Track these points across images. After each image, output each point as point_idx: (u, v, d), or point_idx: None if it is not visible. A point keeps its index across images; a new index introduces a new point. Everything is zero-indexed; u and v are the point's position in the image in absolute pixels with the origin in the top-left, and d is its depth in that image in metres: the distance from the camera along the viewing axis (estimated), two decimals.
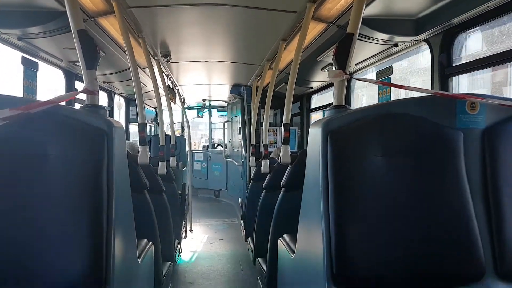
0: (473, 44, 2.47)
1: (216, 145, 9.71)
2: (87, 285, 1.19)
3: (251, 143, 4.55)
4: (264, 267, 2.69)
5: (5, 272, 1.15)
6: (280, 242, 1.89)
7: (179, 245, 3.72)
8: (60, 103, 1.29)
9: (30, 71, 2.42)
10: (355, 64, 3.46)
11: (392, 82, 2.72)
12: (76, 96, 1.71)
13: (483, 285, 1.32)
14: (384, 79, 2.72)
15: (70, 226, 1.19)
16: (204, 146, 10.00)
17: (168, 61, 3.68)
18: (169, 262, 2.77)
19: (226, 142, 8.10)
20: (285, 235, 1.88)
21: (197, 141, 11.82)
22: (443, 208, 1.32)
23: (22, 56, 2.47)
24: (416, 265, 1.28)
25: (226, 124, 8.10)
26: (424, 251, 1.29)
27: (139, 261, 1.60)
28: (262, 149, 3.37)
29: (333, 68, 1.61)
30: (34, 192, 1.19)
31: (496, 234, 1.34)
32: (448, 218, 1.31)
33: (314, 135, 1.44)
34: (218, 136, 10.08)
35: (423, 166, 1.34)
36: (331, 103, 1.60)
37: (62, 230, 1.19)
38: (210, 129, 9.61)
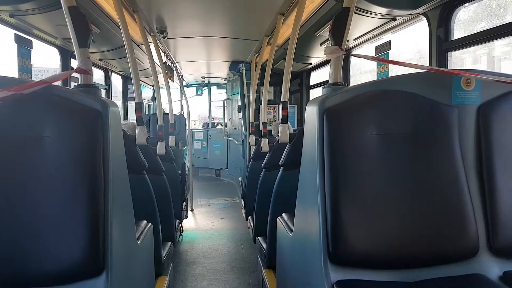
0: (471, 17, 2.42)
1: (216, 123, 9.69)
2: (85, 268, 1.20)
3: (251, 121, 4.53)
4: (264, 245, 2.73)
5: (1, 255, 1.16)
6: (279, 221, 1.91)
7: (180, 225, 3.76)
8: (53, 83, 1.27)
9: (24, 49, 2.38)
10: (354, 39, 3.40)
11: (391, 57, 2.69)
12: (72, 75, 1.69)
13: (477, 261, 1.34)
14: (382, 54, 2.68)
15: (66, 209, 1.19)
16: (204, 125, 9.97)
17: (164, 37, 3.61)
18: (169, 243, 2.81)
19: (226, 121, 8.07)
20: (283, 214, 1.90)
21: (196, 119, 11.78)
22: (437, 185, 1.33)
23: (15, 34, 2.42)
24: (410, 243, 1.29)
25: (225, 102, 8.04)
26: (418, 229, 1.30)
27: (138, 242, 1.61)
28: (261, 127, 3.36)
29: (330, 44, 1.57)
30: (28, 174, 1.19)
31: (490, 210, 1.36)
32: (442, 195, 1.32)
33: (311, 114, 1.43)
34: (218, 114, 10.04)
35: (418, 143, 1.34)
36: (327, 81, 1.58)
37: (58, 213, 1.19)
38: (210, 107, 9.55)
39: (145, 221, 1.82)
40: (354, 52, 3.73)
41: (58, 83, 1.33)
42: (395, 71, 2.77)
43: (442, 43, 2.35)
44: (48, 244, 1.17)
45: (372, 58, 1.68)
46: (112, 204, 1.27)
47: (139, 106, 2.37)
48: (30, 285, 1.20)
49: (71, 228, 1.19)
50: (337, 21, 1.51)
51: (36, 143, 1.20)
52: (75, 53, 1.47)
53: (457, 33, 2.35)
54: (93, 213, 1.21)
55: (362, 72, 4.09)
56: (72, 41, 1.45)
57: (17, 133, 1.20)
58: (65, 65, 3.45)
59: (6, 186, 1.18)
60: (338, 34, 1.51)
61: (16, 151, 1.20)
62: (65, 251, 1.18)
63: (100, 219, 1.23)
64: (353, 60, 3.95)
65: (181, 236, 4.18)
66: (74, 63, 3.57)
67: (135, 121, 3.01)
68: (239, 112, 6.66)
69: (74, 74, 1.55)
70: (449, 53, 2.37)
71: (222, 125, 8.87)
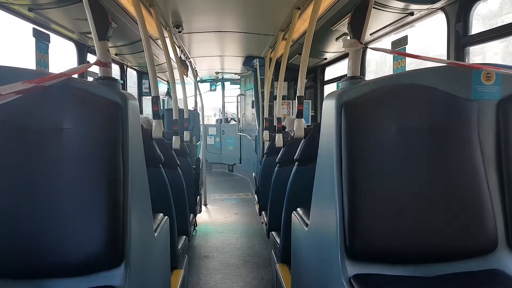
0: (490, 12, 2.35)
1: (229, 119, 9.70)
2: (104, 258, 1.21)
3: (265, 116, 4.52)
4: (278, 240, 2.73)
5: (22, 246, 1.18)
6: (294, 216, 1.90)
7: (194, 219, 3.79)
8: (73, 76, 1.28)
9: (42, 43, 2.41)
10: (370, 34, 3.35)
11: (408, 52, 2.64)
12: (89, 69, 1.70)
13: (495, 256, 1.32)
14: (399, 49, 2.64)
15: (86, 200, 1.20)
16: (217, 121, 10.00)
17: (180, 32, 3.62)
18: (184, 236, 2.83)
19: (239, 116, 8.07)
20: (298, 209, 1.89)
21: (210, 115, 11.82)
22: (456, 180, 1.31)
23: (34, 28, 2.46)
24: (428, 238, 1.28)
25: (239, 97, 8.04)
26: (436, 223, 1.28)
27: (155, 234, 1.62)
28: (275, 122, 3.35)
29: (348, 38, 1.56)
30: (49, 166, 1.20)
31: (509, 206, 1.33)
32: (460, 190, 1.31)
33: (328, 107, 1.42)
34: (231, 110, 10.05)
35: (437, 137, 1.32)
36: (345, 75, 1.57)
37: (79, 204, 1.20)
38: (223, 103, 9.57)
39: (162, 214, 1.84)
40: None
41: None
42: (411, 67, 2.72)
43: (460, 37, 2.30)
44: (68, 235, 1.19)
45: (390, 52, 1.65)
46: (131, 196, 1.28)
47: (155, 100, 2.39)
48: (50, 276, 1.22)
49: (91, 219, 1.20)
50: (356, 14, 1.49)
51: (56, 135, 1.22)
52: (95, 45, 1.48)
53: (476, 28, 2.29)
54: (113, 205, 1.22)
55: (368, 72, 4.04)
56: (92, 33, 1.47)
57: (37, 125, 1.22)
58: (82, 59, 3.50)
59: (26, 177, 1.20)
60: (357, 27, 1.50)
61: (36, 143, 1.21)
62: (85, 242, 1.19)
63: (120, 211, 1.24)
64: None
65: (195, 230, 4.22)
66: (90, 58, 3.62)
67: (150, 116, 3.03)
68: (252, 107, 6.65)
69: (90, 68, 1.57)
70: (467, 48, 2.32)
71: (235, 121, 8.88)
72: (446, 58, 2.41)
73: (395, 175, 1.29)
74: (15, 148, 1.20)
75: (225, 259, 3.60)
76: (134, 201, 1.30)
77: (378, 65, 4.14)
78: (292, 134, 2.39)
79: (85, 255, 1.19)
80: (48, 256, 1.18)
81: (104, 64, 1.46)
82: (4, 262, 1.18)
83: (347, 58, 1.56)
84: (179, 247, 2.54)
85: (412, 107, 1.34)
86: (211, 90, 9.27)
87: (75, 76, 1.33)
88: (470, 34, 2.27)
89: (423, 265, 1.30)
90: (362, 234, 1.26)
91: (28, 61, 2.38)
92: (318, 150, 1.56)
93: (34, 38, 2.34)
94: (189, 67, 5.41)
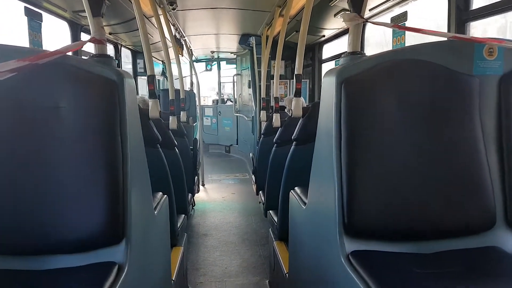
0: None
1: (225, 99, 9.63)
2: (105, 235, 1.21)
3: (262, 96, 4.48)
4: (276, 218, 2.76)
5: (23, 223, 1.18)
6: (292, 194, 1.91)
7: (192, 199, 3.82)
8: (67, 54, 1.26)
9: (34, 22, 2.35)
10: (369, 10, 3.28)
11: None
12: (83, 48, 1.67)
13: (494, 234, 1.33)
14: None
15: (86, 178, 1.20)
16: (213, 101, 9.93)
17: (174, 9, 3.53)
18: (183, 215, 2.85)
19: (235, 97, 8.01)
20: (296, 188, 1.90)
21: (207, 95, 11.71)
22: (456, 156, 1.31)
23: (25, 7, 2.39)
24: (427, 214, 1.29)
25: (235, 77, 7.95)
26: (435, 200, 1.29)
27: (155, 212, 1.63)
28: (272, 102, 3.32)
29: (348, 12, 1.52)
30: (46, 144, 1.19)
31: (508, 183, 1.34)
32: (460, 166, 1.31)
33: (328, 84, 1.40)
34: (227, 90, 9.96)
35: (437, 114, 1.31)
36: (344, 52, 1.54)
37: (78, 181, 1.20)
38: (219, 83, 9.47)
39: (161, 193, 1.85)
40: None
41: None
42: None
43: (462, 12, 2.25)
44: (69, 212, 1.19)
45: (391, 26, 1.62)
46: (130, 174, 1.28)
47: (151, 79, 2.35)
48: (50, 252, 1.23)
49: (91, 196, 1.20)
50: None
51: (52, 114, 1.20)
52: (89, 22, 1.45)
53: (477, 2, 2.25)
54: (113, 182, 1.22)
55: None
56: (86, 10, 1.43)
57: (32, 104, 1.20)
58: (75, 38, 3.42)
59: (24, 156, 1.19)
60: (358, 1, 1.46)
61: (32, 122, 1.20)
62: (86, 219, 1.19)
63: (119, 188, 1.24)
64: None
65: (193, 209, 4.26)
66: (84, 38, 3.54)
67: (146, 96, 2.99)
68: (249, 87, 6.59)
69: (85, 47, 1.54)
70: (467, 23, 2.28)
71: (231, 101, 8.82)
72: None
73: (395, 152, 1.29)
74: (11, 126, 1.19)
75: (223, 237, 3.66)
76: (133, 179, 1.30)
77: (379, 45, 4.09)
78: (290, 114, 2.37)
79: (86, 232, 1.19)
80: (48, 233, 1.19)
81: (99, 41, 1.42)
82: (4, 239, 1.19)
83: (346, 36, 1.53)
84: (178, 225, 2.57)
85: (412, 83, 1.32)
86: (206, 70, 9.14)
87: (70, 53, 1.30)
88: (471, 9, 2.23)
89: (421, 242, 1.31)
90: (360, 211, 1.27)
91: (22, 42, 2.33)
92: (316, 129, 1.55)
93: (26, 17, 2.28)
94: (184, 46, 5.32)
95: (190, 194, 3.59)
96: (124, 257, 1.23)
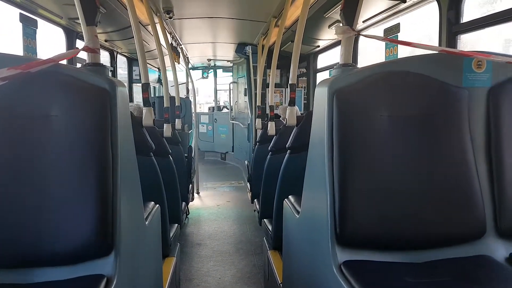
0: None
1: (221, 107, 9.65)
2: (93, 247, 1.20)
3: (257, 104, 4.50)
4: (270, 227, 2.75)
5: (10, 234, 1.16)
6: (286, 203, 1.91)
7: (186, 208, 3.80)
8: (61, 62, 1.26)
9: (29, 29, 2.35)
10: (363, 21, 3.33)
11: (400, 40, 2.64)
12: (78, 56, 1.67)
13: (484, 243, 1.35)
14: (391, 37, 2.63)
15: (75, 189, 1.19)
16: (209, 108, 9.95)
17: (171, 17, 3.56)
18: (176, 224, 2.83)
19: (231, 104, 8.03)
20: (290, 196, 1.90)
21: (202, 103, 11.73)
22: (446, 167, 1.32)
23: (20, 13, 2.39)
24: (418, 224, 1.30)
25: (231, 85, 7.99)
26: (426, 210, 1.30)
27: (146, 223, 1.61)
28: (268, 110, 3.34)
29: (341, 25, 1.55)
30: (36, 154, 1.18)
31: (497, 193, 1.35)
32: (450, 177, 1.32)
33: (320, 95, 1.41)
34: (223, 98, 9.99)
35: (428, 125, 1.33)
36: (337, 63, 1.56)
37: (67, 192, 1.18)
38: (216, 90, 9.50)
39: (153, 203, 1.83)
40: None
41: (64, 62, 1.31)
42: (404, 55, 2.72)
43: (452, 25, 2.30)
44: (57, 224, 1.17)
45: (383, 39, 1.64)
46: (121, 184, 1.27)
47: (145, 88, 2.35)
48: (38, 265, 1.21)
49: (80, 207, 1.19)
50: (349, 0, 1.48)
51: (43, 122, 1.19)
52: (83, 31, 1.45)
53: (467, 16, 2.30)
54: (102, 193, 1.21)
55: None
56: (80, 19, 1.43)
57: (23, 112, 1.19)
58: (71, 46, 3.42)
59: (13, 165, 1.18)
60: (350, 14, 1.48)
61: (23, 130, 1.19)
62: (74, 230, 1.18)
63: (109, 199, 1.23)
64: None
65: (187, 218, 4.23)
66: (79, 44, 3.54)
67: (141, 103, 2.99)
68: (245, 95, 6.62)
69: (80, 54, 1.54)
70: (458, 36, 2.32)
71: (227, 109, 8.84)
72: (438, 46, 2.42)
73: (386, 162, 1.30)
74: (1, 134, 1.18)
75: (217, 246, 3.63)
76: (123, 190, 1.29)
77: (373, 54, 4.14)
78: (285, 122, 2.39)
79: (74, 244, 1.18)
80: (36, 244, 1.17)
81: (92, 50, 1.42)
82: None
83: (340, 46, 1.56)
84: (171, 235, 2.54)
85: (403, 95, 1.34)
86: (203, 77, 9.18)
87: (63, 62, 1.30)
88: (462, 22, 2.27)
89: (413, 251, 1.32)
90: (352, 221, 1.27)
91: (16, 47, 2.33)
92: (310, 137, 1.56)
93: (21, 24, 2.28)
94: (181, 53, 5.34)
95: (184, 203, 3.57)
96: (113, 270, 1.22)
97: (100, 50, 1.51)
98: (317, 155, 1.44)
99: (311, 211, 1.55)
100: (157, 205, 1.85)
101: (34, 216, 1.17)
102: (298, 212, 1.70)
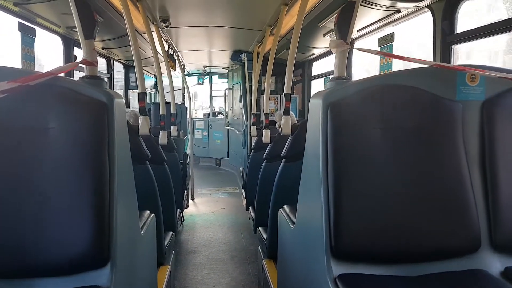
0: (476, 11, 2.41)
1: (217, 113, 9.67)
2: (90, 258, 1.21)
3: (252, 111, 4.53)
4: (265, 236, 2.76)
5: (6, 245, 1.17)
6: (281, 213, 1.92)
7: (181, 215, 3.80)
8: (59, 75, 1.27)
9: (27, 37, 2.36)
10: (357, 31, 3.38)
11: (394, 49, 2.68)
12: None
13: (479, 257, 1.35)
14: (386, 46, 2.68)
15: (72, 199, 1.20)
16: (205, 114, 9.96)
17: (167, 26, 3.58)
18: (171, 232, 2.83)
19: (227, 110, 8.05)
20: (285, 206, 1.91)
21: (197, 109, 11.74)
22: (440, 180, 1.33)
23: (19, 22, 2.40)
24: (413, 238, 1.30)
25: (227, 91, 8.02)
26: (420, 224, 1.31)
27: (141, 232, 1.62)
28: (263, 118, 3.36)
29: (335, 37, 1.57)
30: (34, 166, 1.19)
31: (492, 206, 1.36)
32: (445, 190, 1.33)
33: (315, 107, 1.43)
34: (219, 104, 10.01)
35: (422, 138, 1.34)
36: (332, 71, 1.58)
37: (64, 202, 1.20)
38: (211, 97, 9.52)
39: (148, 211, 1.84)
40: (357, 43, 3.71)
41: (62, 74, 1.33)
42: (398, 64, 2.76)
43: (446, 36, 2.33)
44: (54, 235, 1.18)
45: (376, 53, 1.68)
46: (117, 196, 1.28)
47: (142, 97, 2.37)
48: (34, 276, 1.22)
49: (76, 219, 1.20)
50: (342, 14, 1.51)
51: (41, 135, 1.21)
52: (81, 45, 1.47)
53: (461, 27, 2.33)
54: (99, 205, 1.23)
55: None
56: (78, 33, 1.45)
57: (21, 124, 1.21)
58: (68, 53, 3.43)
59: (11, 177, 1.19)
60: (344, 28, 1.51)
61: (21, 143, 1.20)
62: (71, 242, 1.19)
63: (106, 211, 1.24)
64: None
65: (181, 225, 4.22)
66: (76, 52, 3.55)
67: (137, 110, 2.99)
68: (240, 102, 6.64)
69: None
70: (452, 46, 2.36)
71: (223, 115, 8.86)
72: (432, 56, 2.45)
73: (380, 175, 1.32)
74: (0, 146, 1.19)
75: (212, 254, 3.62)
76: (120, 201, 1.30)
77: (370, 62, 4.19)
78: (279, 131, 2.41)
79: (71, 255, 1.19)
80: (33, 255, 1.18)
81: (90, 63, 1.45)
82: None
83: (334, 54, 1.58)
84: (165, 243, 2.55)
85: (397, 108, 1.36)
86: (198, 83, 9.21)
87: (61, 74, 1.32)
88: (456, 33, 2.30)
89: (408, 264, 1.33)
90: (347, 234, 1.28)
91: (15, 55, 2.34)
92: (304, 147, 1.58)
93: (19, 33, 2.29)
94: (177, 61, 5.37)
95: (178, 210, 3.57)
96: (108, 281, 1.23)
97: (97, 57, 1.53)
98: (312, 167, 1.45)
99: (306, 223, 1.56)
100: (152, 214, 1.86)
101: (31, 227, 1.17)
102: (293, 222, 1.71)
